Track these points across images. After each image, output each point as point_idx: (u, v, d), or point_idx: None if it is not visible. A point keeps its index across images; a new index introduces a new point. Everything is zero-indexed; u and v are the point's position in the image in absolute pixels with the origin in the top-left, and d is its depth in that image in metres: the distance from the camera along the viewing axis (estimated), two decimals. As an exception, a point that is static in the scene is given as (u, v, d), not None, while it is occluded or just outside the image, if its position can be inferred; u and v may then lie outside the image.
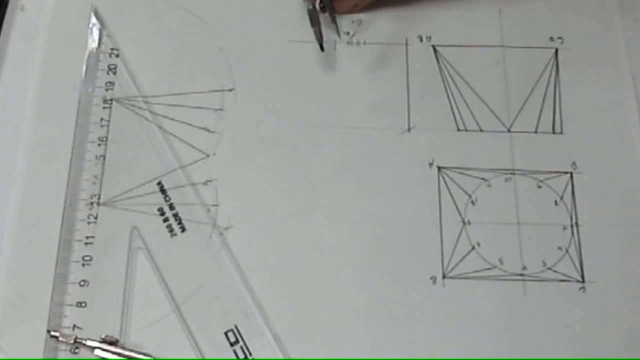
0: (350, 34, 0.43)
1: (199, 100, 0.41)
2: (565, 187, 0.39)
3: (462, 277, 0.37)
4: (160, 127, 0.40)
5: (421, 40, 0.43)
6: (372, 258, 0.38)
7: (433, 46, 0.43)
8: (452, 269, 0.38)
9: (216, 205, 0.39)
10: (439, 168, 0.40)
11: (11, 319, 0.36)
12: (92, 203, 0.39)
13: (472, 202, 0.39)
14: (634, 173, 0.40)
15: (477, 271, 0.38)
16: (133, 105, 0.41)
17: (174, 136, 0.40)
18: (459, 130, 0.41)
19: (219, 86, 0.41)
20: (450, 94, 0.41)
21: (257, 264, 0.38)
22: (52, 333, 0.36)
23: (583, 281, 0.37)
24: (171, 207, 0.39)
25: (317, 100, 0.41)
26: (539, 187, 0.39)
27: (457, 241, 0.38)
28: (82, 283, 0.37)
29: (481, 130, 0.41)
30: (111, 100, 0.41)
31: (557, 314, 0.37)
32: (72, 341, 0.36)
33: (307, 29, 0.42)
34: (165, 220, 0.38)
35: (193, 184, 0.39)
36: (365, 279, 0.37)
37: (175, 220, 0.38)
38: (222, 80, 0.42)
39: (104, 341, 0.35)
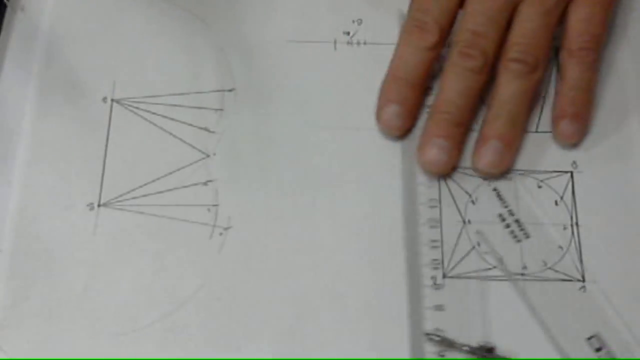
0: (351, 34, 0.43)
1: (199, 100, 0.41)
2: (566, 187, 0.39)
3: (462, 277, 0.37)
4: (161, 127, 0.40)
5: (421, 40, 0.43)
6: (371, 258, 0.38)
7: (433, 46, 0.43)
8: (452, 269, 0.38)
9: (216, 205, 0.39)
10: (439, 168, 0.40)
11: (11, 319, 0.36)
12: (92, 203, 0.39)
13: (472, 202, 0.39)
14: (634, 173, 0.40)
15: (477, 271, 0.38)
16: (133, 106, 0.41)
17: (174, 136, 0.40)
18: (459, 130, 0.41)
19: (219, 86, 0.42)
20: (450, 94, 0.41)
21: (257, 264, 0.38)
22: (429, 333, 0.36)
23: (583, 281, 0.37)
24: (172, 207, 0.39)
25: (317, 100, 0.41)
26: (539, 186, 0.39)
27: (457, 241, 0.38)
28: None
29: (481, 131, 0.41)
30: (111, 100, 0.41)
31: (557, 313, 0.37)
32: (443, 344, 0.35)
33: (307, 29, 0.43)
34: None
35: (193, 184, 0.39)
36: (364, 279, 0.37)
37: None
38: (222, 80, 0.42)
39: (481, 348, 0.35)
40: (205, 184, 0.39)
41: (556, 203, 0.39)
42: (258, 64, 0.42)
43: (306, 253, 0.38)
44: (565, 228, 0.38)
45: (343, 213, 0.39)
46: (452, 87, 0.39)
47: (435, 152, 0.38)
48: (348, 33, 0.43)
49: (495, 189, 0.39)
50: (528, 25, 0.39)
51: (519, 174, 0.40)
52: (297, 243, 0.38)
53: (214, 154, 0.40)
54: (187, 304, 0.37)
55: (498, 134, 0.39)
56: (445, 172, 0.39)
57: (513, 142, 0.39)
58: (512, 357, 0.35)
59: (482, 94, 0.40)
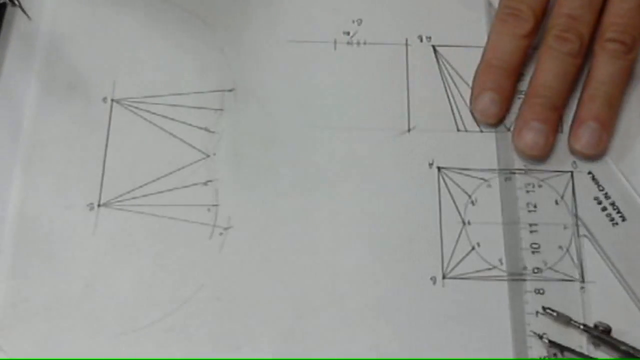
0: (351, 34, 0.43)
1: (199, 100, 0.41)
2: (566, 186, 0.39)
3: (462, 277, 0.37)
4: (161, 127, 0.40)
5: (421, 40, 0.43)
6: (372, 258, 0.38)
7: (433, 46, 0.43)
8: (452, 269, 0.38)
9: (216, 205, 0.39)
10: (439, 168, 0.40)
11: (11, 319, 0.36)
12: (92, 203, 0.39)
13: (472, 203, 0.39)
14: (633, 172, 0.40)
15: (477, 271, 0.38)
16: (133, 106, 0.41)
17: (174, 136, 0.40)
18: (458, 130, 0.41)
19: (219, 86, 0.41)
20: (450, 94, 0.41)
21: (257, 264, 0.38)
22: (546, 307, 0.36)
23: (583, 281, 0.37)
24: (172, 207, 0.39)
25: (317, 100, 0.41)
26: (540, 186, 0.39)
27: (457, 241, 0.38)
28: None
29: (481, 131, 0.41)
30: (111, 100, 0.41)
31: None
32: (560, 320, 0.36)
33: (307, 29, 0.43)
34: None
35: (193, 184, 0.39)
36: (365, 279, 0.37)
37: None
38: (222, 80, 0.42)
39: (596, 328, 0.35)
40: (205, 184, 0.39)
41: (556, 203, 0.39)
42: (258, 64, 0.42)
43: (306, 253, 0.38)
44: (565, 227, 0.38)
45: (343, 213, 0.39)
46: (549, 71, 0.39)
47: (532, 136, 0.39)
48: (348, 33, 0.43)
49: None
50: (624, 6, 0.40)
51: (519, 174, 0.39)
52: (297, 243, 0.38)
53: (214, 154, 0.40)
54: (187, 304, 0.37)
55: (595, 115, 0.39)
56: (543, 156, 0.39)
57: (610, 124, 0.39)
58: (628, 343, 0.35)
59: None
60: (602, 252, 0.38)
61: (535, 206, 0.38)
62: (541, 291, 0.37)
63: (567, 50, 0.39)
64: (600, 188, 0.39)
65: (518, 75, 0.41)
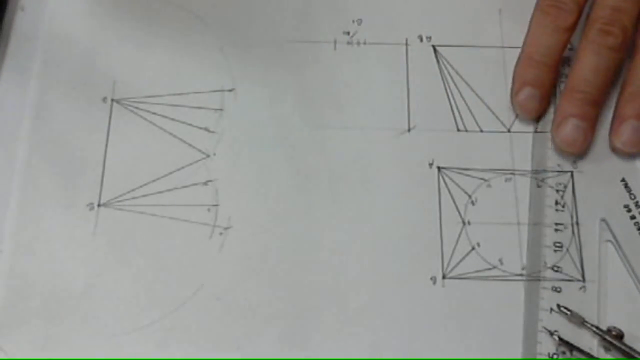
0: (351, 34, 0.43)
1: (199, 100, 0.41)
2: (566, 187, 0.39)
3: (462, 277, 0.37)
4: (160, 127, 0.40)
5: (421, 40, 0.43)
6: (372, 258, 0.38)
7: (433, 46, 0.43)
8: (452, 269, 0.38)
9: (216, 205, 0.39)
10: (439, 168, 0.40)
11: (11, 319, 0.36)
12: (92, 203, 0.39)
13: (472, 203, 0.39)
14: (633, 172, 0.40)
15: (477, 271, 0.38)
16: (133, 106, 0.41)
17: (174, 136, 0.40)
18: (459, 130, 0.41)
19: (219, 86, 0.42)
20: (450, 94, 0.42)
21: (257, 264, 0.38)
22: (560, 305, 0.36)
23: (584, 280, 0.37)
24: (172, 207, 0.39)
25: (317, 100, 0.41)
26: (539, 186, 0.39)
27: (457, 241, 0.38)
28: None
29: (481, 131, 0.41)
30: (111, 100, 0.41)
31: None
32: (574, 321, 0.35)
33: (307, 29, 0.43)
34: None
35: (193, 184, 0.39)
36: (365, 279, 0.37)
37: (175, 220, 0.38)
38: (222, 80, 0.42)
39: (609, 332, 0.35)
40: (205, 184, 0.39)
41: (556, 202, 0.39)
42: (258, 64, 0.42)
43: (306, 253, 0.38)
44: (565, 227, 0.38)
45: (343, 213, 0.39)
46: (590, 65, 0.38)
47: (571, 132, 0.38)
48: (348, 33, 0.43)
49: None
50: None
51: (519, 174, 0.40)
52: (297, 243, 0.38)
53: (214, 154, 0.40)
54: (187, 304, 0.37)
55: (636, 112, 0.38)
56: (581, 152, 0.39)
57: None
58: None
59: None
60: (625, 259, 0.37)
61: (563, 206, 0.38)
62: (558, 289, 0.37)
63: (610, 44, 0.38)
64: (632, 196, 0.38)
65: (559, 69, 0.40)
